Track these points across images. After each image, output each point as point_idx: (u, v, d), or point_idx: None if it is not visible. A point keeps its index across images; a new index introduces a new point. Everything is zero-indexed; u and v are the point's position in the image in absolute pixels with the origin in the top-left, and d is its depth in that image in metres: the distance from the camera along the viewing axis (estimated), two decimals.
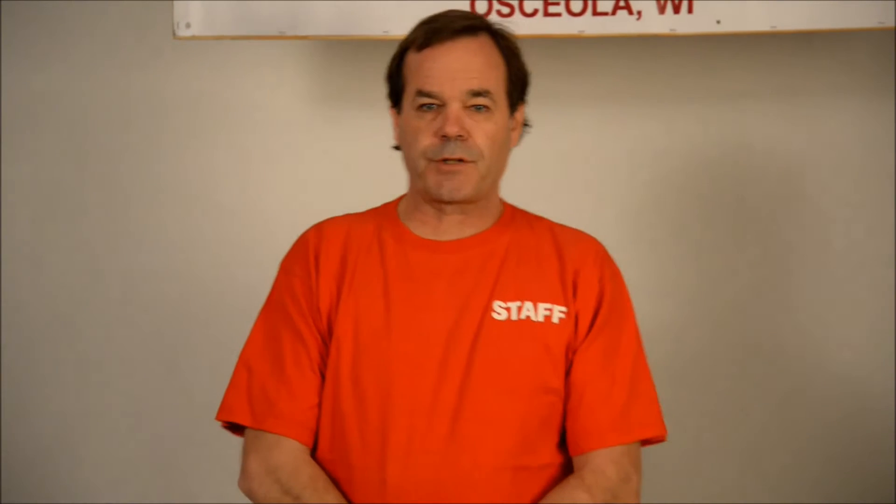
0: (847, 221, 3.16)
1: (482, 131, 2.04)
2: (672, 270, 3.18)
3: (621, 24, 2.78)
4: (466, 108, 2.04)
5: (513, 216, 2.16)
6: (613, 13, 2.77)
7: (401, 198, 2.18)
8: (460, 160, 2.03)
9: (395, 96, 2.12)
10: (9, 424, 3.23)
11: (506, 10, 2.76)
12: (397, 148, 2.14)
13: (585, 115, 3.15)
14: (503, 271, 2.08)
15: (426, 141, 2.04)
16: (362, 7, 2.77)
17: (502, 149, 2.09)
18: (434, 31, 2.06)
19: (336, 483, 2.05)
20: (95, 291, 3.23)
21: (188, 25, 2.79)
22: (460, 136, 2.02)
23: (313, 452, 2.08)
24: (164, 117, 3.19)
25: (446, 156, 2.03)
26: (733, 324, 3.18)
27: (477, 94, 2.04)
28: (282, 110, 3.18)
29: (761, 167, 3.15)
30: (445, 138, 2.02)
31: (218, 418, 2.12)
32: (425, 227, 2.11)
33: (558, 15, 2.77)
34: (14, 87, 3.22)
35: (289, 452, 2.05)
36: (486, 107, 2.04)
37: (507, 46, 2.11)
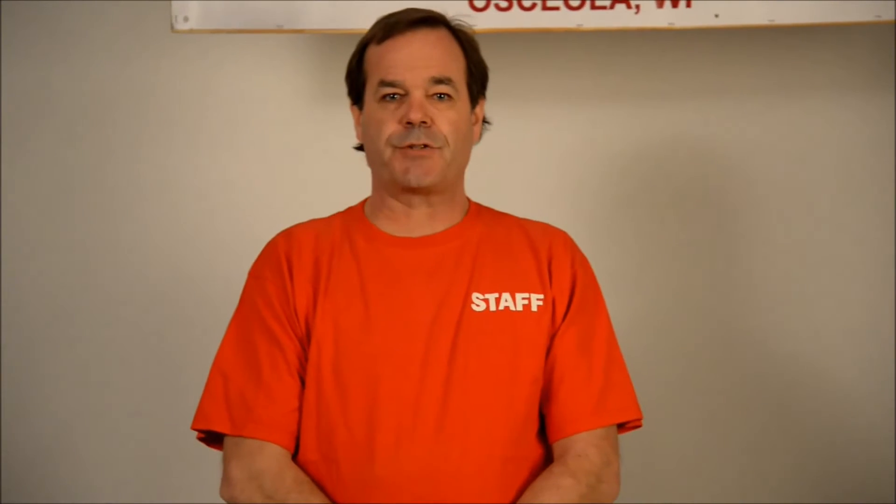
0: (847, 218, 3.16)
1: (445, 119, 2.06)
2: (673, 266, 3.18)
3: (619, 18, 2.79)
4: (429, 96, 2.06)
5: (479, 211, 2.18)
6: (612, 7, 2.78)
7: (364, 201, 2.19)
8: (425, 146, 2.05)
9: (357, 93, 2.15)
10: (9, 424, 3.23)
11: (504, 3, 2.76)
12: (360, 148, 2.16)
13: (584, 110, 3.15)
14: (478, 264, 2.10)
15: (390, 129, 2.06)
16: (360, 1, 2.77)
17: (465, 139, 2.11)
18: (393, 24, 2.09)
19: (323, 483, 2.05)
20: (96, 291, 3.23)
21: (186, 19, 2.80)
22: (424, 122, 2.04)
23: (295, 455, 2.07)
24: (161, 112, 3.20)
25: (412, 142, 2.04)
26: (735, 324, 3.18)
27: (439, 81, 2.06)
28: (280, 104, 3.18)
29: (761, 162, 3.16)
30: (410, 125, 2.04)
31: (194, 427, 2.11)
32: (394, 225, 2.12)
33: (556, 9, 2.78)
34: (13, 85, 3.21)
35: (271, 457, 2.04)
36: (448, 95, 2.07)
37: (465, 40, 2.13)
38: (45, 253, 3.24)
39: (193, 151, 3.21)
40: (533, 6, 2.77)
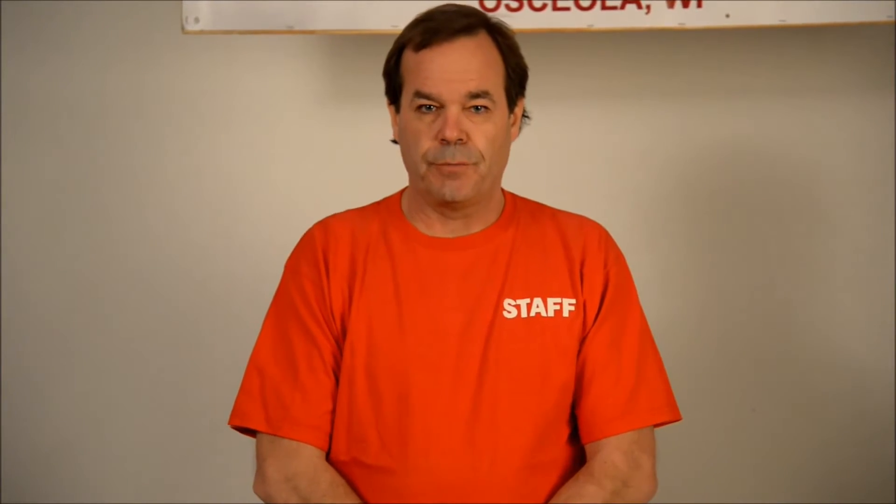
0: (856, 218, 3.16)
1: (481, 133, 2.03)
2: (679, 268, 3.18)
3: (630, 18, 2.79)
4: (465, 109, 2.03)
5: (514, 208, 2.16)
6: (622, 7, 2.78)
7: (402, 192, 2.18)
8: (461, 164, 2.03)
9: (393, 93, 2.11)
10: (9, 424, 3.23)
11: (514, 4, 2.76)
12: (395, 142, 2.14)
13: (594, 110, 3.15)
14: (511, 268, 2.09)
15: (426, 144, 2.03)
16: (371, 2, 2.78)
17: (502, 148, 2.08)
18: (432, 31, 2.04)
19: (352, 484, 2.06)
20: (98, 291, 3.23)
21: (197, 20, 2.80)
22: (460, 139, 2.01)
23: (328, 454, 2.09)
24: (172, 113, 3.19)
25: (447, 160, 2.02)
26: (738, 324, 3.18)
27: (476, 95, 2.02)
28: (290, 105, 3.17)
29: (772, 163, 3.15)
30: (445, 142, 2.01)
31: (231, 423, 2.12)
32: (431, 227, 2.12)
33: (567, 9, 2.78)
34: (22, 85, 3.21)
35: (307, 459, 2.05)
36: (485, 107, 2.03)
37: (505, 43, 2.09)
38: (48, 252, 3.24)
39: (201, 149, 3.20)
40: (543, 6, 2.77)
